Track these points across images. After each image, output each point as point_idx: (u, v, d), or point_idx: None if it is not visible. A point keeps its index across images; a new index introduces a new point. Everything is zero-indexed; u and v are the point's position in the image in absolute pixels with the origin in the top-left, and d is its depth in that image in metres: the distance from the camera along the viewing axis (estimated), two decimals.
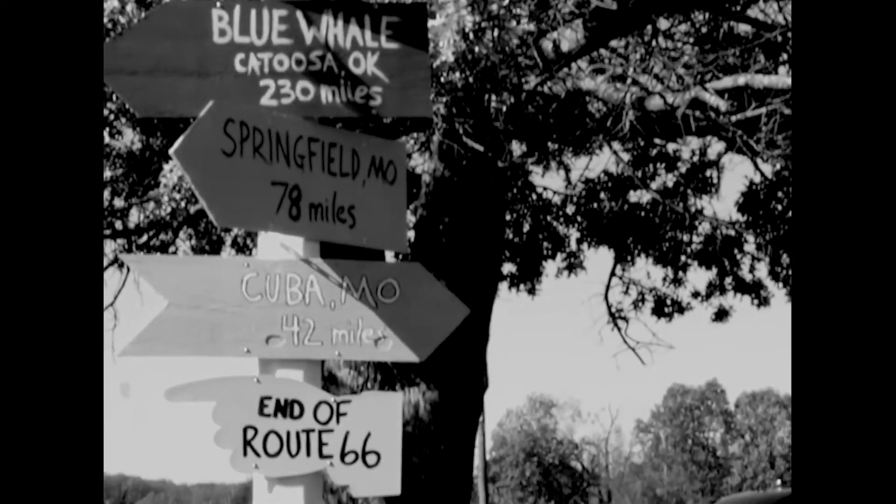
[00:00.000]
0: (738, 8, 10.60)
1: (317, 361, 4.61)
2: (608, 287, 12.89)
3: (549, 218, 12.07)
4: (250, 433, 4.46)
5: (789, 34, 9.64)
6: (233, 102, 4.46)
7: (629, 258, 12.62)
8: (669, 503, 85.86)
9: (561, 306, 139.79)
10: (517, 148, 10.12)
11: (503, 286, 11.97)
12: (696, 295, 12.86)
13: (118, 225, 9.75)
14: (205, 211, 6.08)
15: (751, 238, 12.16)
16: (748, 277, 12.57)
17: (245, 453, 4.46)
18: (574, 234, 12.24)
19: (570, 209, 12.11)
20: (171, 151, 4.19)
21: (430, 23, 6.18)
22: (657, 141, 11.37)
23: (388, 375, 7.95)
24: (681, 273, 12.66)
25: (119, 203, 9.59)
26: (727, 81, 8.33)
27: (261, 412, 4.47)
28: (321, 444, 4.50)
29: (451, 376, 8.07)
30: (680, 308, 12.77)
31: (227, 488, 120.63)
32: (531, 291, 12.23)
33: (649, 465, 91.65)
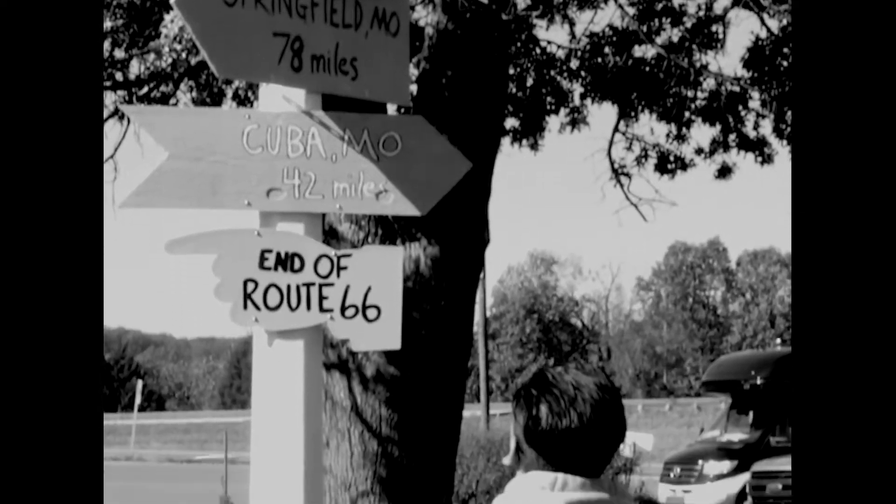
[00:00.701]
0: None
1: (318, 215, 4.60)
2: (611, 143, 12.83)
3: (552, 72, 11.96)
4: (250, 286, 4.46)
5: None
6: None
7: (633, 114, 12.54)
8: (669, 361, 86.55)
9: (564, 162, 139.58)
10: (521, 1, 10.00)
11: (505, 141, 11.92)
12: (699, 151, 12.80)
13: (118, 76, 9.68)
14: (206, 62, 6.01)
15: (756, 94, 12.07)
16: (752, 134, 12.50)
17: (245, 306, 4.46)
18: (577, 89, 12.14)
19: (573, 64, 12.00)
20: (172, 1, 4.13)
21: None
22: None
23: (389, 230, 7.94)
24: (684, 129, 12.59)
25: (119, 54, 9.50)
26: None
27: (261, 265, 4.46)
28: (321, 297, 4.49)
29: (453, 231, 8.06)
30: (683, 164, 12.72)
31: (227, 342, 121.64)
32: (534, 147, 12.17)
33: (649, 323, 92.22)
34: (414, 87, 8.48)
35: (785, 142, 12.25)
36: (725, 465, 28.72)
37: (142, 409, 62.67)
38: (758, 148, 12.52)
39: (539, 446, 3.21)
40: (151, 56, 8.23)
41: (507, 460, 3.31)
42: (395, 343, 4.57)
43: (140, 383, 58.91)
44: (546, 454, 3.21)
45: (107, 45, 9.29)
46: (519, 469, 3.28)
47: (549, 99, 11.99)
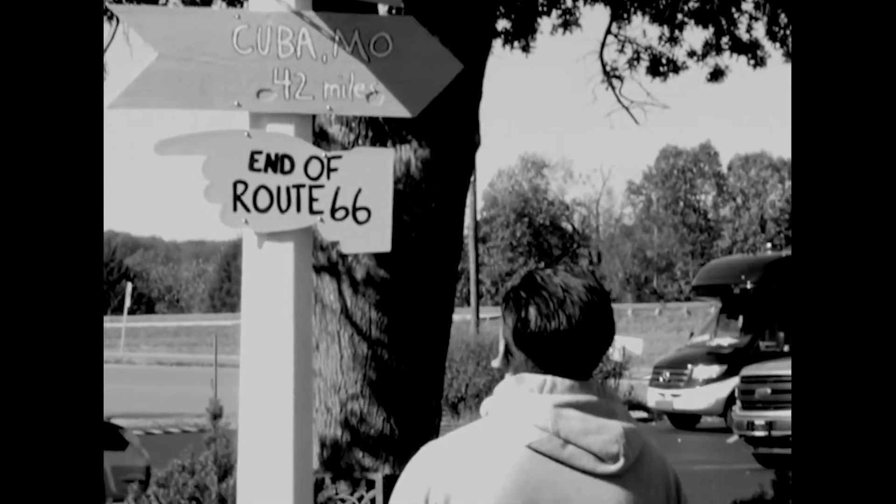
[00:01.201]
0: None
1: (308, 116, 4.56)
2: (603, 45, 12.75)
3: None
4: (240, 188, 4.43)
5: None
6: None
7: (625, 15, 12.46)
8: (659, 265, 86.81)
9: (555, 65, 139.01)
10: None
11: (497, 43, 11.83)
12: (692, 54, 12.74)
13: None
14: None
15: None
16: (745, 37, 12.43)
17: (235, 208, 4.43)
18: None
19: None
20: None
21: None
22: None
23: (380, 132, 7.89)
24: (677, 32, 12.51)
25: None
26: None
27: (251, 167, 4.43)
28: (311, 199, 4.47)
29: (443, 134, 8.01)
30: (675, 67, 12.66)
31: (217, 245, 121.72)
32: (525, 49, 12.08)
33: (640, 227, 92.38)
34: None
35: (778, 45, 12.18)
36: (714, 370, 28.91)
37: (131, 312, 62.82)
38: (750, 51, 12.46)
39: (528, 349, 3.21)
40: None
41: (495, 363, 3.31)
42: (385, 245, 4.55)
43: (129, 286, 59.03)
44: (535, 356, 3.20)
45: None
46: (507, 372, 3.27)
47: (540, 0, 11.90)
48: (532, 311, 3.20)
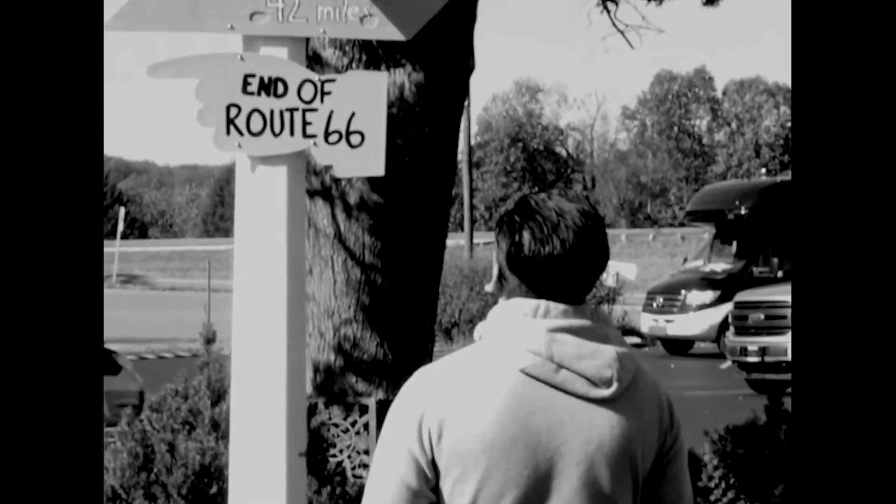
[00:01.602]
0: None
1: (301, 39, 4.52)
2: None
3: None
4: (233, 111, 4.39)
5: None
6: None
7: None
8: (653, 190, 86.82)
9: None
10: None
11: None
12: None
13: None
14: None
15: None
16: None
17: (228, 132, 4.40)
18: None
19: None
20: None
21: None
22: None
23: (374, 56, 7.83)
24: None
25: None
26: None
27: (244, 90, 4.40)
28: (305, 123, 4.43)
29: (437, 58, 7.96)
30: None
31: (210, 170, 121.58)
32: None
33: (634, 152, 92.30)
34: None
35: None
36: (708, 295, 29.00)
37: (124, 236, 62.78)
38: None
39: (521, 273, 3.20)
40: None
41: (489, 287, 3.30)
42: (378, 170, 4.53)
43: (122, 211, 58.93)
44: (528, 281, 3.19)
45: None
46: (501, 296, 3.26)
47: None
48: (526, 235, 3.19)
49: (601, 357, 3.16)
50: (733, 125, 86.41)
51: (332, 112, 4.46)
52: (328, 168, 4.60)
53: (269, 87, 4.40)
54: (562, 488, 3.16)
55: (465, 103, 8.95)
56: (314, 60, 7.72)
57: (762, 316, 21.36)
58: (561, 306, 3.16)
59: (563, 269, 3.17)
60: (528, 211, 3.22)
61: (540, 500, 3.15)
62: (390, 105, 7.69)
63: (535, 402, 3.14)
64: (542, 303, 3.16)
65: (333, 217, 8.04)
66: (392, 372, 7.97)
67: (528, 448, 3.13)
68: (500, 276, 3.25)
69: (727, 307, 24.61)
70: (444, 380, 3.18)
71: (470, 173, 42.07)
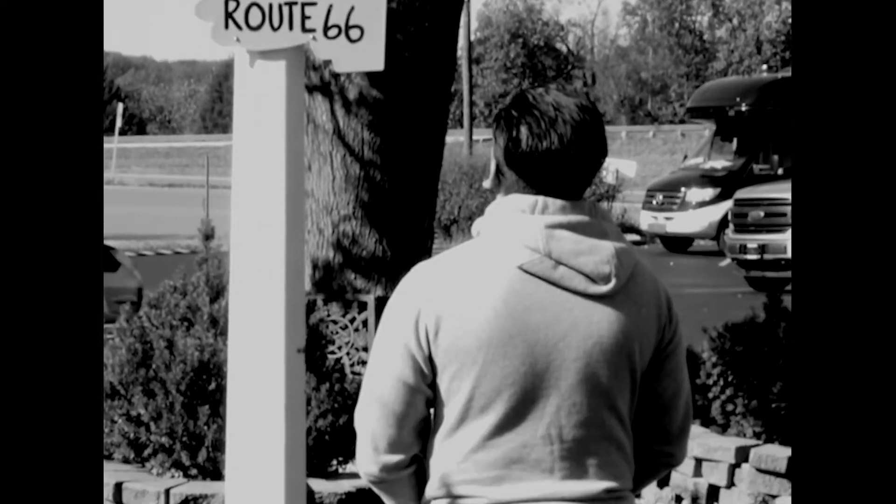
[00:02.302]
0: None
1: None
2: None
3: None
4: (232, 5, 4.33)
5: None
6: None
7: None
8: (654, 87, 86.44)
9: None
10: None
11: None
12: None
13: None
14: None
15: None
16: None
17: (226, 26, 4.34)
18: None
19: None
20: None
21: None
22: None
23: None
24: None
25: None
26: None
27: None
28: (304, 17, 4.38)
29: None
30: None
31: (209, 65, 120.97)
32: None
33: (635, 49, 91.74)
34: None
35: None
36: (708, 193, 28.97)
37: (122, 132, 62.61)
38: None
39: (519, 168, 3.17)
40: None
41: (486, 183, 3.27)
42: (378, 64, 4.48)
43: (121, 106, 58.75)
44: (526, 176, 3.17)
45: None
46: (499, 192, 3.23)
47: None
48: (523, 130, 3.16)
49: (599, 253, 3.14)
50: (735, 21, 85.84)
51: (331, 6, 4.40)
52: (327, 63, 4.55)
53: None
54: (560, 384, 3.15)
55: None
56: None
57: (762, 213, 21.34)
58: (559, 202, 3.14)
59: (560, 164, 3.15)
60: (526, 106, 3.19)
61: (537, 396, 3.15)
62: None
63: (533, 299, 3.12)
64: (540, 199, 3.14)
65: (332, 113, 7.99)
66: (391, 268, 7.97)
67: (525, 344, 3.13)
68: (498, 172, 3.23)
69: (727, 204, 24.58)
70: (441, 276, 3.16)
71: (469, 69, 41.86)
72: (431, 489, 3.22)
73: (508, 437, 3.16)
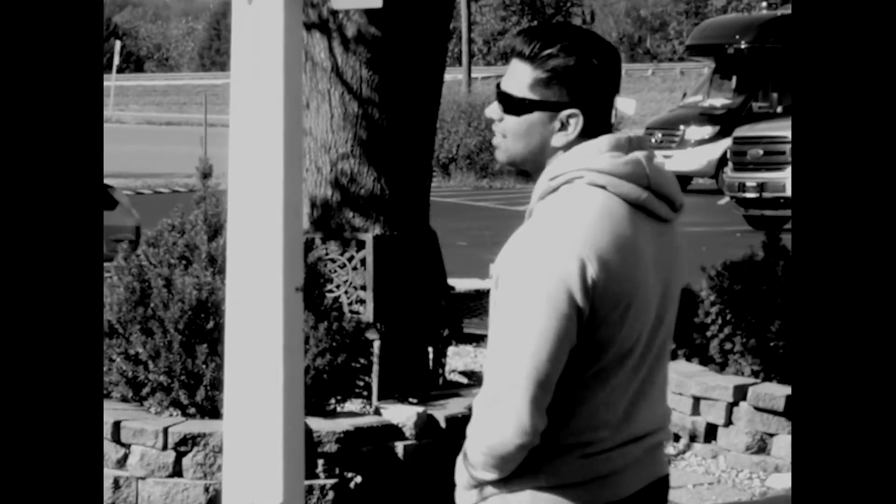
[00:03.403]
0: None
1: None
2: None
3: None
4: None
5: None
6: None
7: None
8: (653, 24, 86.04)
9: None
10: None
11: None
12: None
13: None
14: None
15: None
16: None
17: None
18: None
19: None
20: None
21: None
22: None
23: None
24: None
25: None
26: None
27: None
28: None
29: None
30: None
31: (206, 3, 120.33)
32: None
33: None
34: None
35: None
36: (707, 131, 28.88)
37: (120, 70, 62.30)
38: None
39: (597, 107, 3.11)
40: None
41: (561, 139, 3.12)
42: (376, 2, 4.44)
43: (118, 44, 58.45)
44: (600, 115, 3.13)
45: None
46: (552, 142, 3.11)
47: None
48: (607, 66, 3.11)
49: (674, 181, 3.18)
50: None
51: None
52: (325, 0, 4.51)
53: None
54: (668, 316, 3.17)
55: None
56: None
57: (761, 151, 21.27)
58: (636, 136, 3.15)
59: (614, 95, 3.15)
60: (585, 37, 3.11)
61: (657, 330, 3.14)
62: None
63: (650, 234, 3.10)
64: (625, 135, 3.11)
65: (331, 50, 7.94)
66: (389, 207, 7.94)
67: (658, 281, 3.12)
68: (563, 120, 3.12)
69: (726, 142, 24.50)
70: (582, 229, 3.00)
71: (468, 6, 41.61)
72: (569, 436, 3.09)
73: (640, 373, 3.13)
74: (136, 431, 6.80)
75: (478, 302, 12.20)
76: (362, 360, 7.44)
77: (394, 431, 7.03)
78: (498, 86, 3.21)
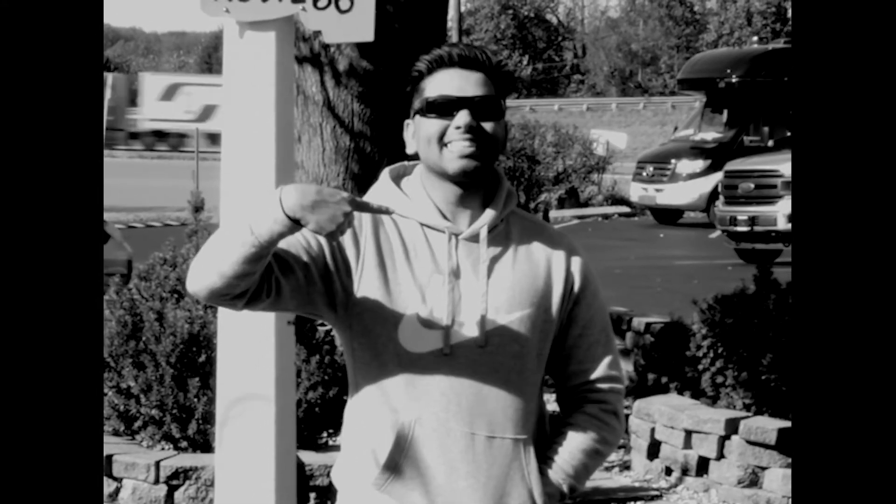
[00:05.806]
0: None
1: None
2: None
3: None
4: None
5: None
6: None
7: None
8: (644, 59, 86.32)
9: None
10: None
11: None
12: None
13: None
14: None
15: None
16: None
17: None
18: None
19: None
20: None
21: None
22: None
23: None
24: None
25: None
26: None
27: None
28: None
29: None
30: None
31: (198, 36, 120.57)
32: None
33: (625, 20, 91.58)
34: None
35: None
36: (698, 164, 28.90)
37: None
38: None
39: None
40: None
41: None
42: (367, 35, 4.46)
43: (111, 77, 58.51)
44: None
45: None
46: None
47: None
48: None
49: None
50: None
51: None
52: (317, 34, 4.54)
53: None
54: None
55: None
56: None
57: (752, 185, 21.29)
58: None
59: None
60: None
61: None
62: None
63: None
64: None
65: (322, 84, 7.96)
66: None
67: None
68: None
69: (717, 176, 24.51)
70: None
71: (460, 40, 41.74)
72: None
73: None
74: (128, 465, 6.78)
75: None
76: None
77: None
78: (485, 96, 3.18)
